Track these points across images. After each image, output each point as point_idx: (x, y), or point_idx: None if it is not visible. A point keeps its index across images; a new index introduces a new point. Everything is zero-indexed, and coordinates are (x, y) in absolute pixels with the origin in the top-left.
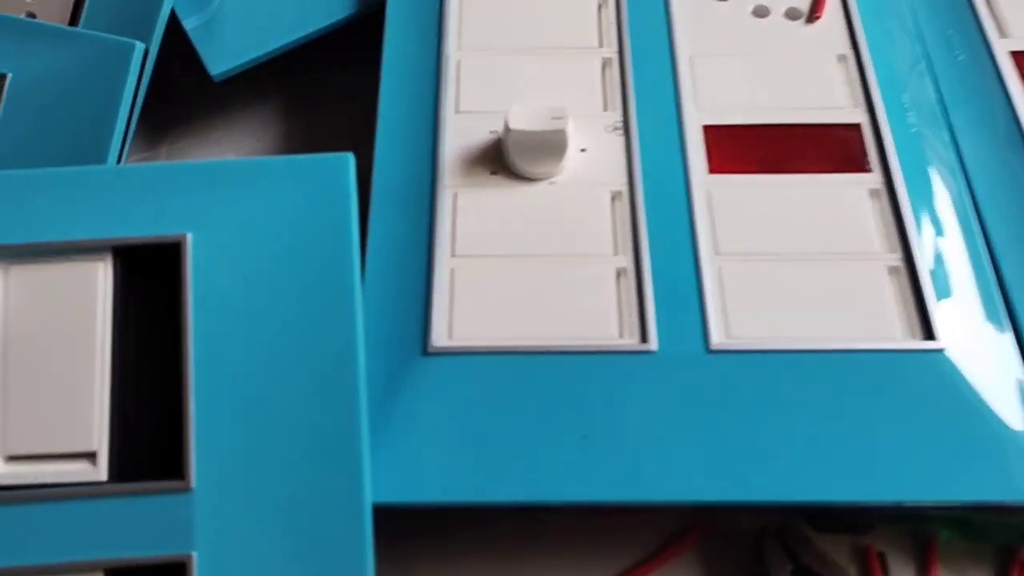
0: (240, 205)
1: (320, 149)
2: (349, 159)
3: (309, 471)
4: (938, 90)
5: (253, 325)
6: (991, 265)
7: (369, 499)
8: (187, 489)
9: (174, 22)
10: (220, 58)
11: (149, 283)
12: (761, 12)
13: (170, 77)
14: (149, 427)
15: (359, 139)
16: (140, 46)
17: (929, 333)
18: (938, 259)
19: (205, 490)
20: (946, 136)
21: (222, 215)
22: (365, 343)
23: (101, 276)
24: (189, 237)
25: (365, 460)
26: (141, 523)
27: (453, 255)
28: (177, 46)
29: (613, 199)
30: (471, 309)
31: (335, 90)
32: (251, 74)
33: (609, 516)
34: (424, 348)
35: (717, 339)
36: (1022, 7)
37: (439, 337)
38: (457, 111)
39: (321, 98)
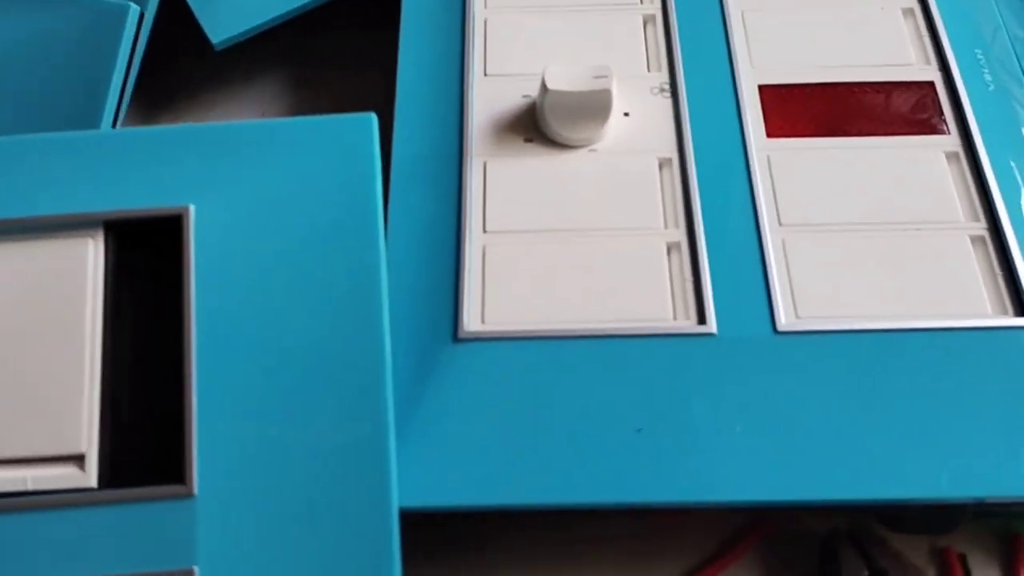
0: (249, 173)
1: None
2: (372, 119)
3: (328, 474)
4: (1014, 45)
5: (265, 308)
6: None
7: (396, 504)
8: (189, 495)
9: None
10: (221, 25)
11: (146, 262)
12: None
13: (171, 48)
14: (146, 426)
15: (377, 108)
16: (135, 8)
17: (1022, 308)
18: None
19: (209, 497)
20: None
21: (229, 184)
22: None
23: (91, 254)
24: (191, 209)
25: (392, 461)
26: (136, 534)
27: (484, 231)
28: (179, 15)
29: (661, 167)
30: (505, 290)
31: (348, 56)
32: (256, 42)
33: (663, 517)
34: (454, 334)
35: (784, 320)
36: None
37: (470, 321)
38: (486, 74)
39: (333, 65)
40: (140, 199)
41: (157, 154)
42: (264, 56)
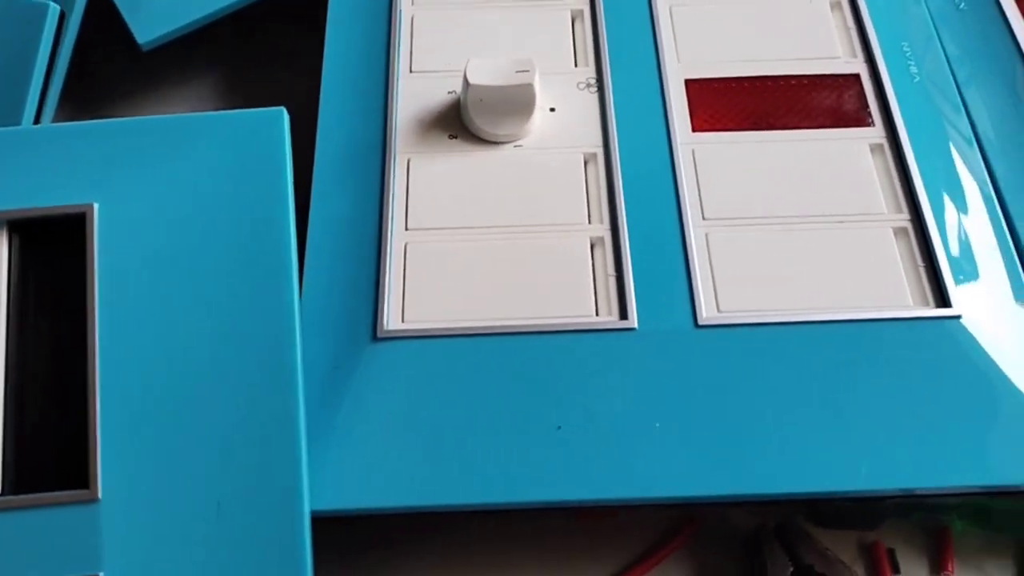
0: (156, 169)
1: None
2: (281, 114)
3: (238, 477)
4: (940, 38)
5: (172, 309)
6: (1006, 222)
7: (307, 507)
8: (93, 500)
9: None
10: (148, 26)
11: (52, 262)
12: None
13: (103, 49)
14: (50, 430)
15: (308, 107)
16: (55, 7)
17: (943, 299)
18: (949, 218)
19: (114, 501)
20: (951, 86)
21: (135, 181)
22: (307, 328)
23: None
24: (95, 207)
25: (303, 462)
26: (41, 541)
27: (406, 228)
28: (110, 15)
29: (587, 162)
30: (427, 288)
31: (281, 55)
32: (187, 42)
33: (593, 517)
34: (374, 332)
35: (706, 313)
36: None
37: (391, 320)
38: (411, 71)
39: (264, 65)
40: (46, 197)
41: (63, 151)
42: (195, 57)
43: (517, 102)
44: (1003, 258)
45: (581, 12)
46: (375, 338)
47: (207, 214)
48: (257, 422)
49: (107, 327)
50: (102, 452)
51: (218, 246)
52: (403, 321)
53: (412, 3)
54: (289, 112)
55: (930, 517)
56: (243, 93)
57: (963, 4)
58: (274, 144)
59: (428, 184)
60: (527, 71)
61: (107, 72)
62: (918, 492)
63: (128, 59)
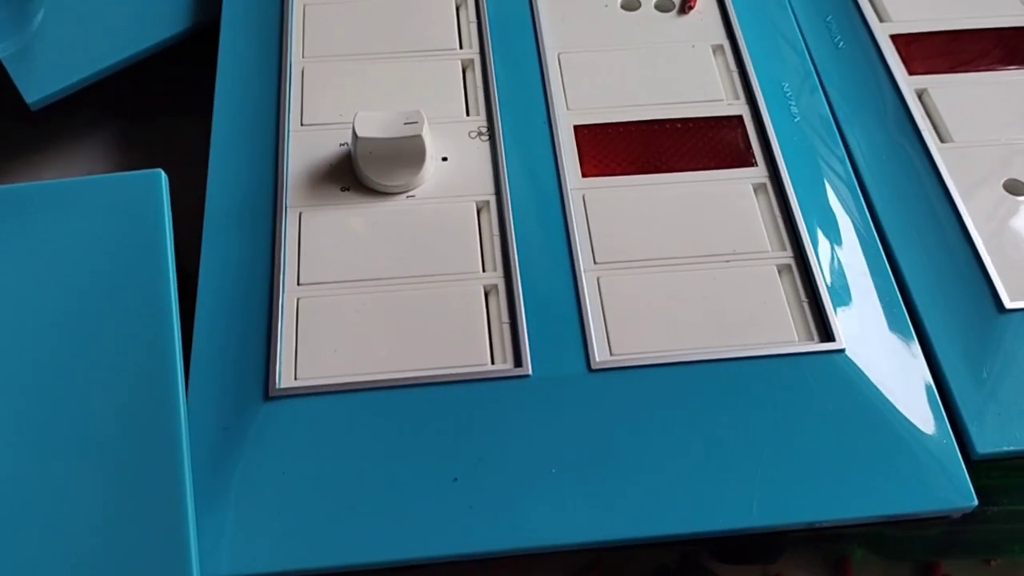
0: (32, 239)
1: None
2: (159, 176)
3: (123, 552)
4: (819, 78)
5: (50, 378)
6: (886, 257)
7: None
8: None
9: None
10: (37, 84)
11: None
12: (631, 5)
13: None
14: None
15: (202, 160)
16: None
17: (827, 334)
18: (831, 254)
19: None
20: (831, 125)
21: (10, 251)
22: (196, 389)
23: None
24: None
25: (191, 531)
26: None
27: (298, 283)
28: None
29: (480, 210)
30: (319, 343)
31: (175, 106)
32: (79, 98)
33: (504, 566)
34: (265, 391)
35: (599, 357)
36: None
37: (283, 378)
38: (302, 123)
39: (159, 118)
40: None
41: None
42: (90, 112)
43: (407, 153)
44: (883, 291)
45: (472, 61)
46: (267, 397)
47: (86, 281)
48: (142, 492)
49: None
50: None
51: (97, 313)
52: (295, 378)
53: (302, 55)
54: (186, 162)
55: (830, 548)
56: (139, 145)
57: (841, 43)
58: (153, 207)
59: (320, 238)
60: (415, 123)
61: None
62: (817, 525)
63: (17, 114)
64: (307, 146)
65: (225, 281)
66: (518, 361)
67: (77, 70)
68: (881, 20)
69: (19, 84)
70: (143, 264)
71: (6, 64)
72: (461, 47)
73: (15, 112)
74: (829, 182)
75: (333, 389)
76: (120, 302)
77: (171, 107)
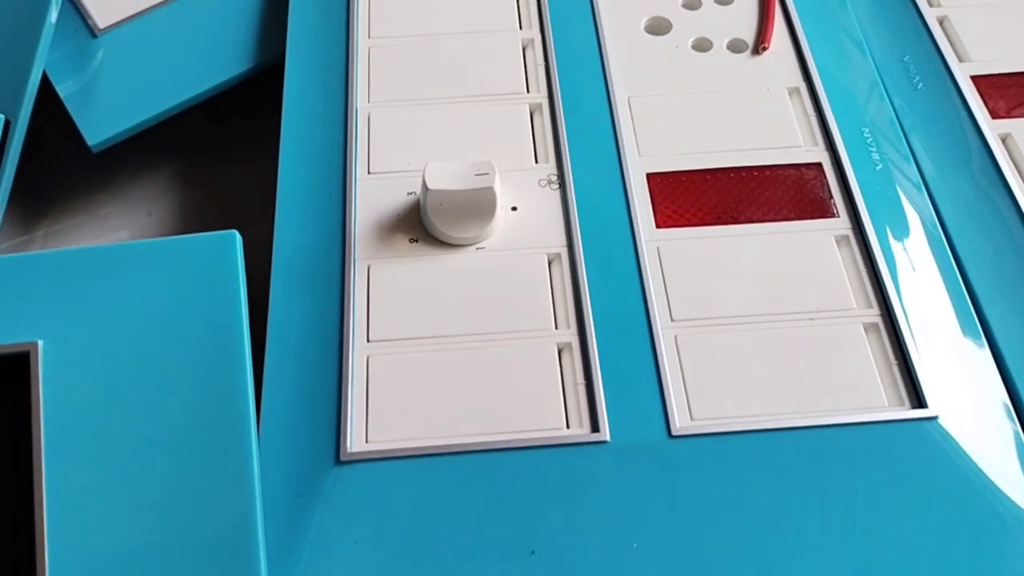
0: (103, 303)
1: (221, 219)
2: (234, 237)
3: None
4: (899, 121)
5: (124, 447)
6: (976, 314)
7: None
8: None
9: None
10: (98, 126)
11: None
12: (702, 46)
13: (51, 146)
14: None
15: (266, 204)
16: None
17: (919, 399)
18: (920, 312)
19: None
20: (914, 171)
21: (82, 316)
22: (266, 454)
23: None
24: (40, 345)
25: None
26: None
27: (368, 340)
28: (58, 111)
29: (551, 263)
30: (390, 404)
31: (237, 147)
32: (141, 135)
33: None
34: (337, 455)
35: (679, 423)
36: (979, 29)
37: (354, 441)
38: (369, 172)
39: (221, 157)
40: None
41: (4, 286)
42: (150, 150)
43: (478, 205)
44: (975, 352)
45: (540, 106)
46: (338, 461)
47: (159, 345)
48: (217, 561)
49: (56, 470)
50: None
51: (171, 378)
52: (367, 442)
53: (368, 100)
54: (249, 200)
55: None
56: (201, 183)
57: (921, 84)
58: (227, 269)
59: (389, 292)
60: (487, 174)
61: (57, 166)
62: None
63: (81, 152)
64: (374, 195)
65: (293, 340)
66: (595, 426)
67: (139, 112)
68: (961, 60)
69: (81, 126)
70: (216, 327)
71: (67, 104)
72: (528, 91)
73: (75, 148)
74: (915, 234)
75: (404, 454)
76: (193, 366)
77: (233, 145)
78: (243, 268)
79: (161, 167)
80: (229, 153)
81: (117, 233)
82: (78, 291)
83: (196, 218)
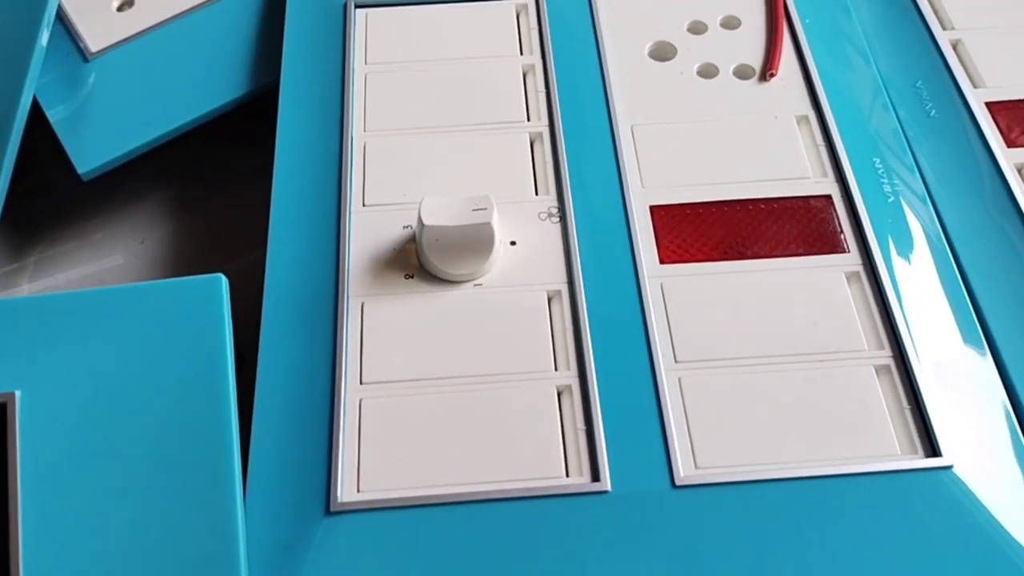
0: (84, 349)
1: (215, 246)
2: (220, 282)
3: None
4: (912, 151)
5: (102, 499)
6: (991, 356)
7: None
8: None
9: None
10: (89, 154)
11: None
12: (708, 72)
13: (43, 168)
14: None
15: (260, 229)
16: None
17: (932, 447)
18: (933, 354)
19: None
20: (927, 204)
21: (62, 363)
22: (253, 503)
23: None
24: (17, 396)
25: None
26: None
27: (361, 382)
28: (50, 132)
29: (551, 300)
30: (383, 451)
31: (231, 172)
32: (134, 161)
33: None
34: (327, 505)
35: (683, 472)
36: (994, 54)
37: (345, 490)
38: (364, 204)
39: (215, 183)
40: None
41: None
42: (143, 175)
43: (475, 241)
44: (992, 397)
45: (540, 134)
46: (328, 511)
47: (141, 393)
48: None
49: (31, 527)
50: None
51: (153, 428)
52: (358, 491)
53: (364, 129)
54: (244, 225)
55: None
56: (194, 210)
57: (934, 111)
58: (212, 314)
59: (384, 331)
60: (485, 209)
61: (51, 190)
62: None
63: (73, 175)
64: (369, 228)
65: (284, 381)
66: (595, 475)
67: (130, 139)
68: (975, 86)
69: (71, 153)
70: (201, 375)
71: (57, 130)
72: (529, 119)
73: (67, 170)
74: (927, 270)
75: (398, 504)
76: (175, 415)
77: (227, 170)
78: (229, 313)
79: (154, 192)
80: (223, 178)
81: (110, 258)
82: (59, 338)
83: (190, 245)
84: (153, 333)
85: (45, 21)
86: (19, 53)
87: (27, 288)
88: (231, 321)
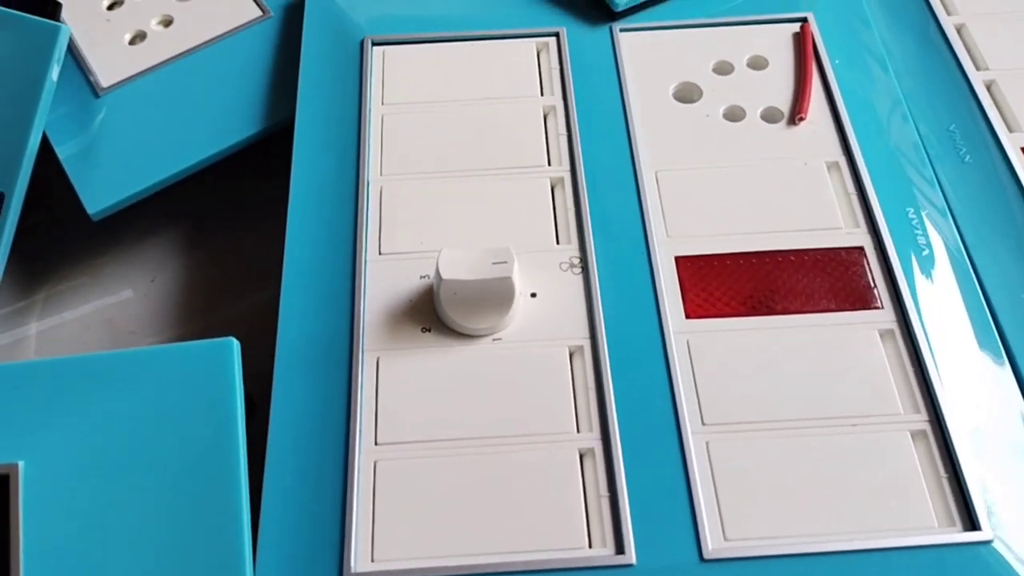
0: (91, 415)
1: (226, 284)
2: (231, 345)
3: None
4: (947, 200)
5: (109, 569)
6: None
7: None
8: None
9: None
10: (99, 193)
11: None
12: (735, 115)
13: (54, 203)
14: None
15: (273, 267)
16: None
17: (971, 520)
18: (973, 419)
19: None
20: (963, 255)
21: (68, 429)
22: (263, 571)
23: None
24: (20, 467)
25: None
26: None
27: (376, 443)
28: (60, 168)
29: (572, 356)
30: (398, 517)
31: (242, 209)
32: (145, 198)
33: None
34: (340, 575)
35: (712, 544)
36: None
37: (359, 560)
38: (380, 252)
39: (226, 220)
40: None
41: None
42: (154, 211)
43: (495, 296)
44: None
45: (562, 180)
46: None
47: (148, 460)
48: None
49: None
50: None
51: (161, 496)
52: (372, 560)
53: (380, 172)
54: (257, 265)
55: None
56: (205, 246)
57: (968, 157)
58: (223, 379)
59: (400, 388)
60: (505, 262)
61: (61, 226)
62: None
63: (83, 211)
64: (385, 278)
65: (296, 442)
66: (620, 547)
67: (141, 179)
68: (1011, 130)
69: (81, 192)
70: (211, 438)
71: (67, 167)
72: (550, 163)
73: (77, 209)
74: (964, 327)
75: (415, 573)
76: (184, 483)
77: (239, 206)
78: (240, 378)
79: (166, 228)
80: (234, 215)
81: (120, 294)
82: (64, 404)
83: (200, 284)
84: (163, 398)
85: (56, 56)
86: (29, 87)
87: (35, 326)
88: (243, 386)
